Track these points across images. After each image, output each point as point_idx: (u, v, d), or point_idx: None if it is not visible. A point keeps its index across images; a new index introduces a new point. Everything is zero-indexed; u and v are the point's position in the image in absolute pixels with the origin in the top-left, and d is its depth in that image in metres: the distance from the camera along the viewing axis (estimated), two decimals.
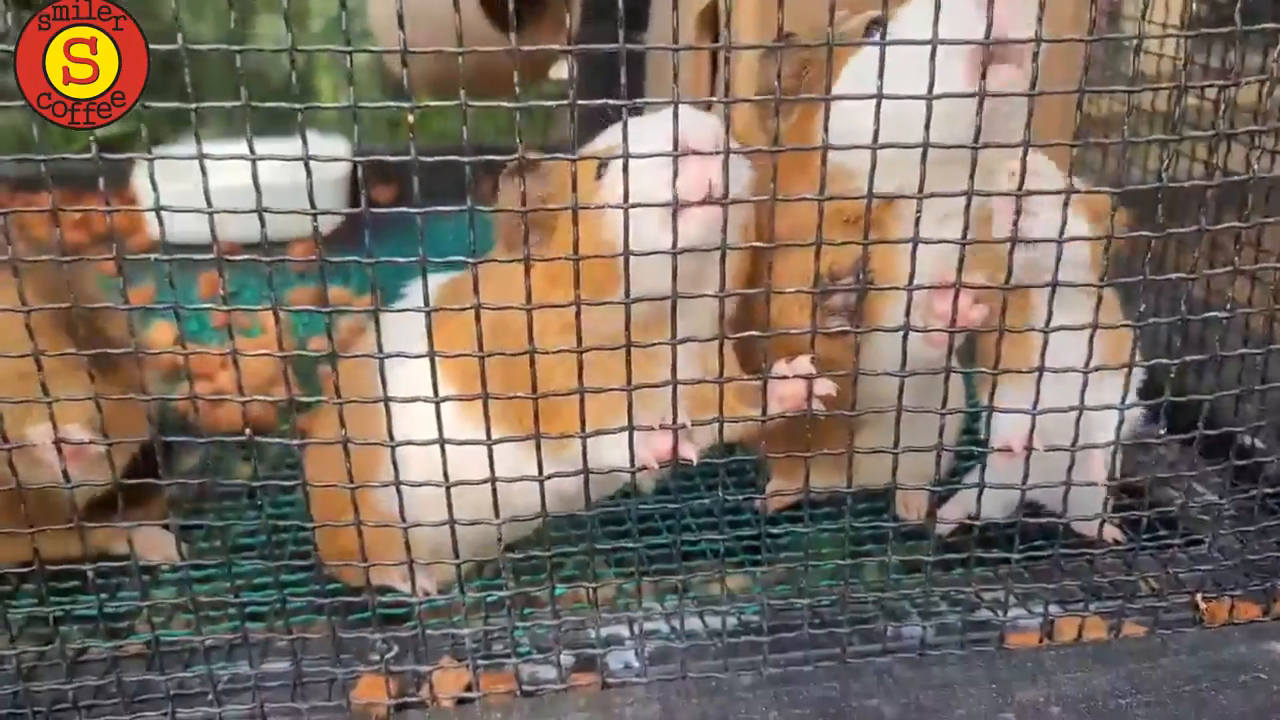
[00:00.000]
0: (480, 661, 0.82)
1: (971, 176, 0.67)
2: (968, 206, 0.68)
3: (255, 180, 0.62)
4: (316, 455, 0.82)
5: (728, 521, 1.05)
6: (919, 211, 0.68)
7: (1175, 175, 1.10)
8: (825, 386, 0.76)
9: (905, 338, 0.72)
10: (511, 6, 0.59)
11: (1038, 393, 0.74)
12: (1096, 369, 0.74)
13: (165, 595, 0.79)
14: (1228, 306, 0.73)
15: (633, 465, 0.74)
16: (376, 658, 0.83)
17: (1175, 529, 1.00)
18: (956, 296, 0.71)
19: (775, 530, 0.91)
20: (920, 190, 0.67)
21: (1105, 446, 0.78)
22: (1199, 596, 0.87)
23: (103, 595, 0.76)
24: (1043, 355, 0.73)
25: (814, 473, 0.81)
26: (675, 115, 0.64)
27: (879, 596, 0.88)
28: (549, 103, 0.66)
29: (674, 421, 0.73)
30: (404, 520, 0.73)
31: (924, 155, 0.66)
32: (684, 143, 0.65)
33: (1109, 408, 0.76)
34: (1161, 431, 0.77)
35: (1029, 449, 0.76)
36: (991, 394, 0.74)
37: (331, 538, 0.90)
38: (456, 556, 0.75)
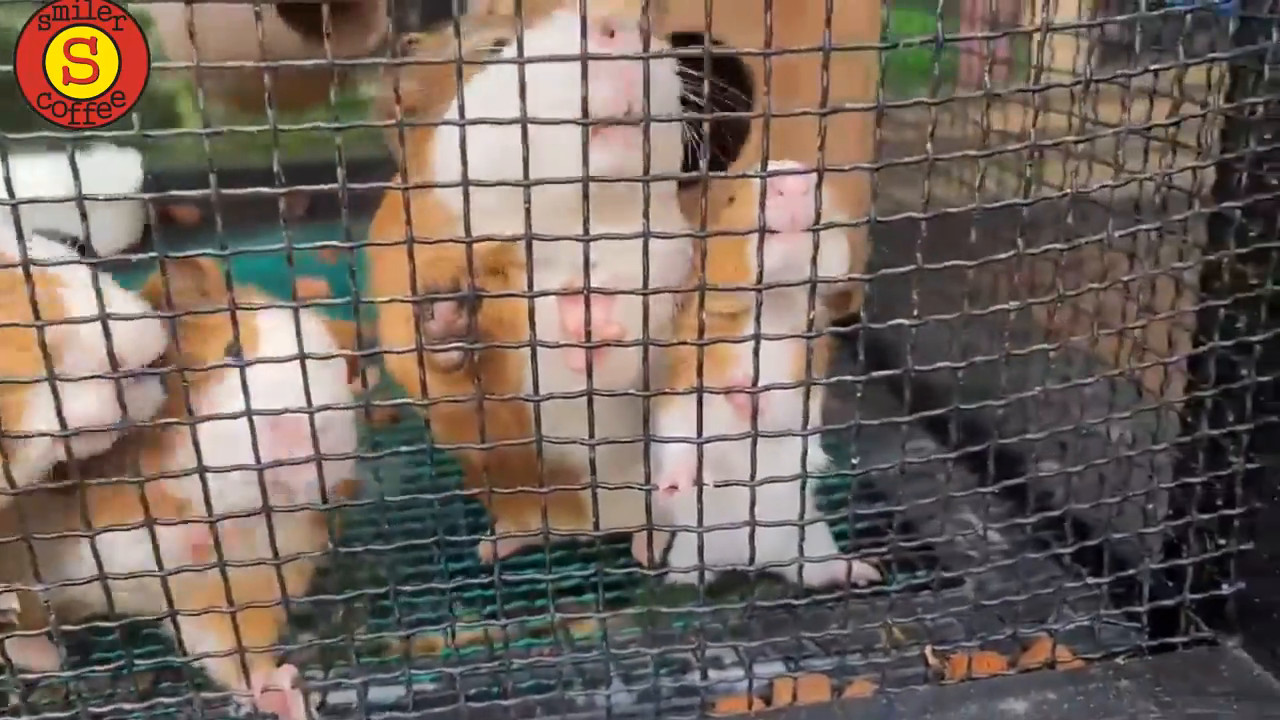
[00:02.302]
0: None
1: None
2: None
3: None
4: None
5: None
6: (524, 200, 0.56)
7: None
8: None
9: (534, 355, 0.61)
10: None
11: (699, 419, 0.63)
12: (766, 389, 0.62)
13: None
14: (914, 312, 0.62)
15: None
16: None
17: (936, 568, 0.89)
18: (588, 305, 0.60)
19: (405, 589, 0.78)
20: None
21: (793, 480, 0.66)
22: (929, 650, 0.76)
23: None
24: (699, 373, 0.62)
25: (553, 516, 0.70)
26: None
27: (578, 659, 0.76)
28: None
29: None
30: None
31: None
32: None
33: (787, 434, 0.65)
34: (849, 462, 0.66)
35: (699, 484, 0.65)
36: (645, 422, 0.63)
37: None
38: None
